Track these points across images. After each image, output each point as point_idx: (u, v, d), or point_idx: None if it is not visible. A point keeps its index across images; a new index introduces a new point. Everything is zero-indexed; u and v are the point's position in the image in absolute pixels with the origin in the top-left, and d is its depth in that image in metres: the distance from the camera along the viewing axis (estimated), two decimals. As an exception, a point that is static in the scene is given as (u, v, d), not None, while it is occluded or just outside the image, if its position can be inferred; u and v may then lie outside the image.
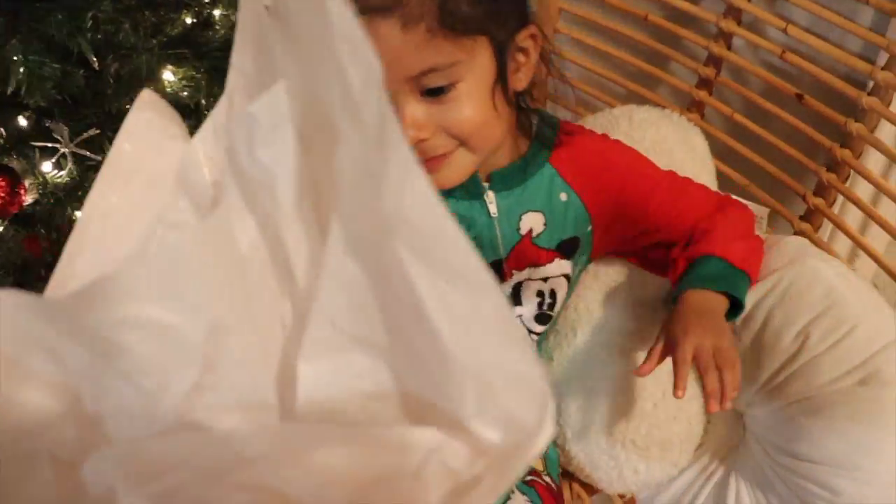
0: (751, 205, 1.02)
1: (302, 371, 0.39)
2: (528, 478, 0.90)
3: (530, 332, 0.92)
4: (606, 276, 0.95)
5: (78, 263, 0.44)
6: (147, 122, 0.47)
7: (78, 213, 1.19)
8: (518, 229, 0.85)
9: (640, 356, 0.85)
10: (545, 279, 0.89)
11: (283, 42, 0.41)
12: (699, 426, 0.98)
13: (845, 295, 0.78)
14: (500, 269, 0.86)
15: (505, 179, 0.85)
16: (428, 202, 0.33)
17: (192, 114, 1.30)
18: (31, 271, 1.22)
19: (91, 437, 0.36)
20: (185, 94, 1.25)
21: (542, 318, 0.91)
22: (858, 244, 0.94)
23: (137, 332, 0.36)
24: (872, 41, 0.90)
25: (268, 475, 0.35)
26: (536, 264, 0.87)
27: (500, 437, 0.34)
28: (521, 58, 0.78)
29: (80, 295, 0.35)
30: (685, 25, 1.07)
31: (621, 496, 1.03)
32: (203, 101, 1.27)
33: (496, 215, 0.84)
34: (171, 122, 0.48)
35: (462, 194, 0.83)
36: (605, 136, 0.90)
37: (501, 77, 0.75)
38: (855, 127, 0.91)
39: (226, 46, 1.32)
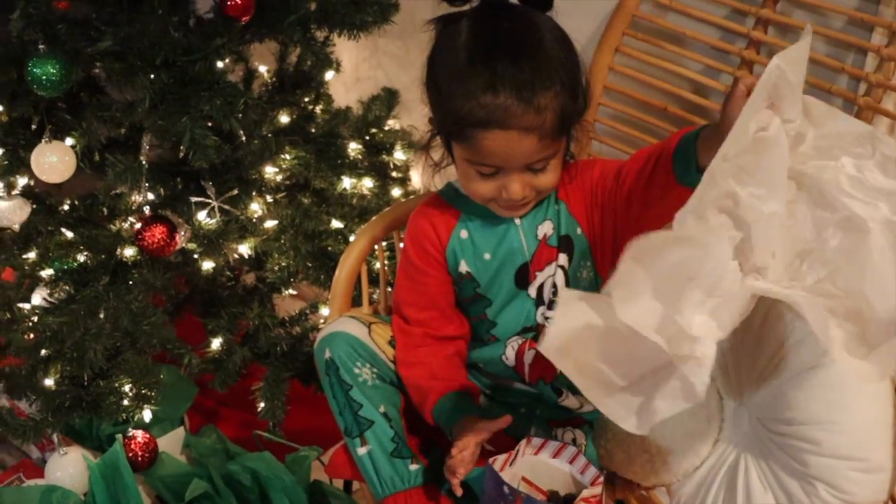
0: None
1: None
2: None
3: (547, 319, 1.21)
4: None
5: None
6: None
7: (209, 263, 1.47)
8: (536, 235, 1.18)
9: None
10: (553, 274, 1.19)
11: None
12: (716, 422, 1.22)
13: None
14: (527, 272, 1.18)
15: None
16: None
17: (303, 187, 1.60)
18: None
19: None
20: (297, 170, 1.55)
21: (552, 305, 1.21)
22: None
23: None
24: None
25: None
26: (549, 261, 1.19)
27: None
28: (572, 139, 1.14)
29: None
30: (693, 113, 1.38)
31: (648, 488, 1.26)
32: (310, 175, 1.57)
33: (522, 230, 1.18)
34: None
35: (501, 219, 1.18)
36: (589, 161, 1.21)
37: (567, 150, 1.13)
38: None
39: (326, 135, 1.64)
